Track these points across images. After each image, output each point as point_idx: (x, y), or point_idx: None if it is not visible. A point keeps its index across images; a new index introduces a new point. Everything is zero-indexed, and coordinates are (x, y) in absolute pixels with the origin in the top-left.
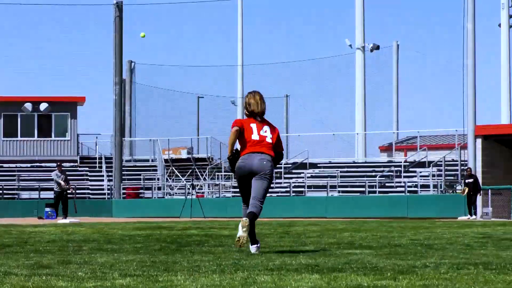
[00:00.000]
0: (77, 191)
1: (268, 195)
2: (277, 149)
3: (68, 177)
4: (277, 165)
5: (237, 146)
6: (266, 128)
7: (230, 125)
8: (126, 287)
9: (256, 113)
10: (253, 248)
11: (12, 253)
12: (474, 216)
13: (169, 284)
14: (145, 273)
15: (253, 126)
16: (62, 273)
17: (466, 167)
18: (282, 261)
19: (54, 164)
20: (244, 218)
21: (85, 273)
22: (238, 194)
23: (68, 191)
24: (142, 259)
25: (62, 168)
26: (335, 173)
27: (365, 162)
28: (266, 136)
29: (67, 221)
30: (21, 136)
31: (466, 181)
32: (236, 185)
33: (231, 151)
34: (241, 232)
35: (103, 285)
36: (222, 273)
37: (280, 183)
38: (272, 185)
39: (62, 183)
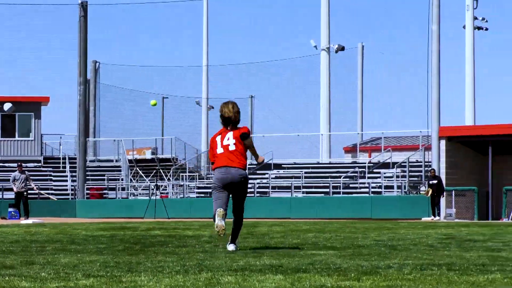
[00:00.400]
0: (41, 191)
1: None
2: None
3: (31, 177)
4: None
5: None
6: (229, 135)
7: (195, 125)
8: (90, 287)
9: (229, 121)
10: (231, 246)
11: None
12: (438, 217)
13: (132, 285)
14: (108, 274)
15: (218, 139)
16: (25, 273)
17: (430, 168)
18: (246, 262)
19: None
20: (219, 209)
21: (48, 273)
22: (203, 195)
23: (31, 191)
24: (105, 259)
25: (23, 169)
26: (300, 173)
27: (330, 163)
28: (229, 144)
29: (30, 221)
30: None
31: (430, 182)
32: (201, 185)
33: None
34: (218, 221)
35: (67, 286)
36: (186, 274)
37: None
38: None
39: (14, 188)
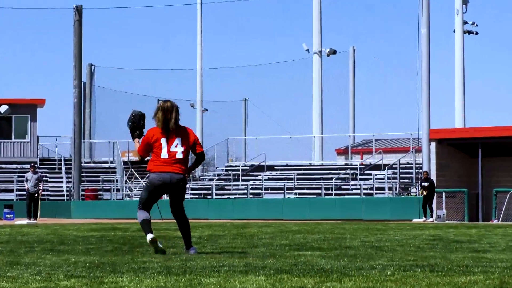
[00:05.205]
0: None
1: (225, 197)
2: (195, 152)
3: (44, 178)
4: (200, 165)
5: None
6: (177, 141)
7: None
8: None
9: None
10: (192, 250)
11: None
12: (431, 218)
13: (113, 285)
14: (91, 275)
15: (163, 141)
16: (8, 274)
17: (422, 171)
18: (230, 263)
19: (14, 166)
20: (149, 237)
21: (31, 274)
22: (196, 196)
23: (39, 192)
24: (91, 260)
25: (35, 169)
26: (292, 175)
27: (322, 165)
28: (177, 152)
29: (24, 222)
30: None
31: (422, 184)
32: (195, 187)
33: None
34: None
35: (47, 286)
36: (168, 275)
37: (238, 185)
38: (229, 187)
39: (26, 186)
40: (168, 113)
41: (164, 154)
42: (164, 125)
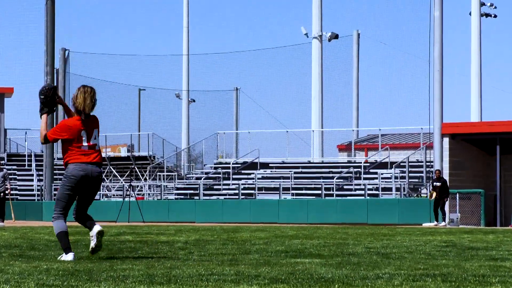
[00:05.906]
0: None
1: (214, 197)
2: None
3: (10, 176)
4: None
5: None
6: (95, 133)
7: (174, 120)
8: None
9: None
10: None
11: None
12: (443, 223)
13: None
14: (64, 283)
15: (84, 134)
16: None
17: (434, 169)
18: (220, 271)
19: None
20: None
21: None
22: (182, 197)
23: (6, 192)
24: (65, 267)
25: (1, 166)
26: (289, 174)
27: (322, 162)
28: (96, 144)
29: None
30: None
31: (434, 184)
32: (180, 186)
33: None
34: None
35: None
36: (151, 284)
37: (228, 184)
38: (219, 187)
39: None
40: (88, 97)
41: (84, 146)
42: (83, 108)
